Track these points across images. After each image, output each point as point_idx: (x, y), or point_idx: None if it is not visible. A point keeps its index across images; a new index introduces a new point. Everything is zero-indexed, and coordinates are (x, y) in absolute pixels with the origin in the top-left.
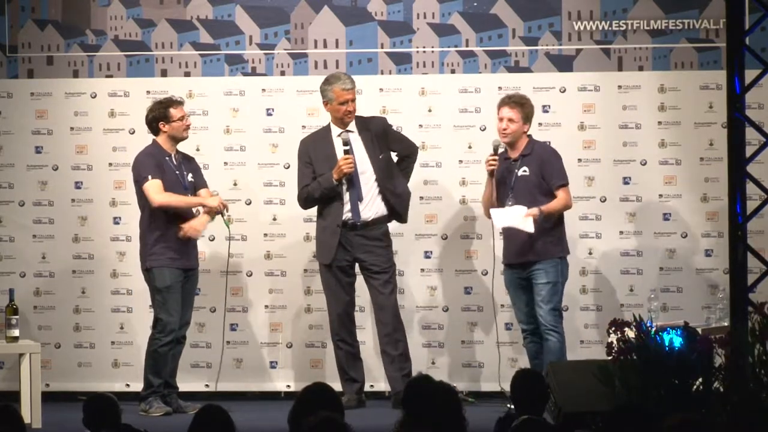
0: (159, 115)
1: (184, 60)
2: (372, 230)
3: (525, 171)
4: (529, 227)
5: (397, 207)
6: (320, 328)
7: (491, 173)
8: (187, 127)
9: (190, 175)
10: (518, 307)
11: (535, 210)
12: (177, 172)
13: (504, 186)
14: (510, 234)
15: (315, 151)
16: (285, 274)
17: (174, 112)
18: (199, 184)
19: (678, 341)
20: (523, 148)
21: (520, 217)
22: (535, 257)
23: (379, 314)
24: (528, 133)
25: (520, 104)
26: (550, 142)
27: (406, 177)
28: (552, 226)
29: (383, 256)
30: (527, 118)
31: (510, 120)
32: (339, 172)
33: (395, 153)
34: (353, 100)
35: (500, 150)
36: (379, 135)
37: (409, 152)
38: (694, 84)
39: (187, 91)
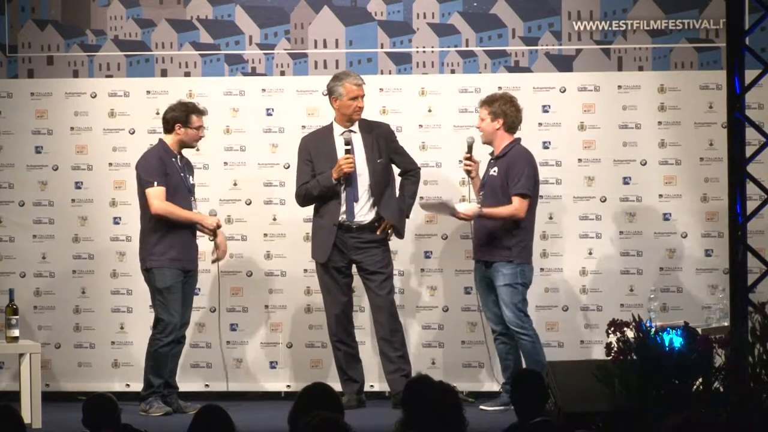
0: (180, 116)
1: (184, 60)
2: (367, 232)
3: (494, 172)
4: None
5: (384, 214)
6: (320, 328)
7: (468, 173)
8: (200, 138)
9: (191, 178)
10: (485, 305)
11: (471, 209)
12: (182, 174)
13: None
14: (477, 228)
15: (316, 149)
16: (285, 274)
17: (195, 119)
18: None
19: (678, 341)
20: (501, 149)
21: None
22: (491, 257)
23: (376, 316)
24: (512, 132)
25: (488, 102)
26: (549, 143)
27: (411, 199)
28: (508, 229)
29: (378, 256)
30: (496, 114)
31: (481, 119)
32: (339, 171)
33: (396, 167)
34: (363, 97)
35: (472, 146)
36: (381, 141)
37: (409, 168)
38: (694, 84)
39: (187, 91)
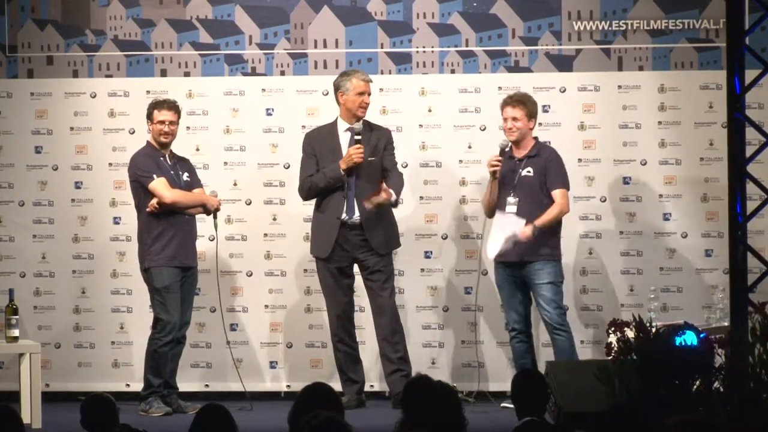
0: (147, 113)
1: (183, 60)
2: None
3: (529, 172)
4: (520, 236)
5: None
6: (320, 328)
7: (494, 174)
8: (163, 133)
9: (185, 174)
10: (512, 306)
11: (528, 230)
12: (171, 171)
13: (506, 185)
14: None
15: (320, 145)
16: (285, 274)
17: (156, 113)
18: (194, 183)
19: (692, 339)
20: (530, 149)
21: (516, 231)
22: (533, 258)
23: (377, 317)
24: (534, 133)
25: (523, 102)
26: (549, 142)
27: (399, 188)
28: (553, 229)
29: (380, 256)
30: (531, 115)
31: (514, 119)
32: (349, 161)
33: (383, 164)
34: (369, 95)
35: (506, 150)
36: (381, 143)
37: (392, 169)
38: (694, 84)
39: (187, 91)
